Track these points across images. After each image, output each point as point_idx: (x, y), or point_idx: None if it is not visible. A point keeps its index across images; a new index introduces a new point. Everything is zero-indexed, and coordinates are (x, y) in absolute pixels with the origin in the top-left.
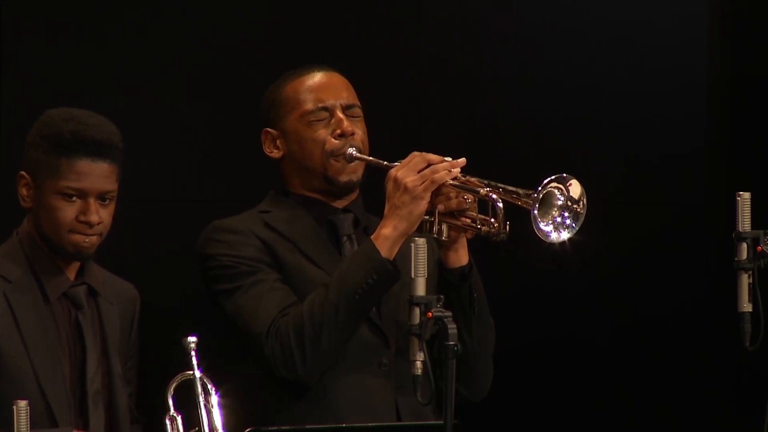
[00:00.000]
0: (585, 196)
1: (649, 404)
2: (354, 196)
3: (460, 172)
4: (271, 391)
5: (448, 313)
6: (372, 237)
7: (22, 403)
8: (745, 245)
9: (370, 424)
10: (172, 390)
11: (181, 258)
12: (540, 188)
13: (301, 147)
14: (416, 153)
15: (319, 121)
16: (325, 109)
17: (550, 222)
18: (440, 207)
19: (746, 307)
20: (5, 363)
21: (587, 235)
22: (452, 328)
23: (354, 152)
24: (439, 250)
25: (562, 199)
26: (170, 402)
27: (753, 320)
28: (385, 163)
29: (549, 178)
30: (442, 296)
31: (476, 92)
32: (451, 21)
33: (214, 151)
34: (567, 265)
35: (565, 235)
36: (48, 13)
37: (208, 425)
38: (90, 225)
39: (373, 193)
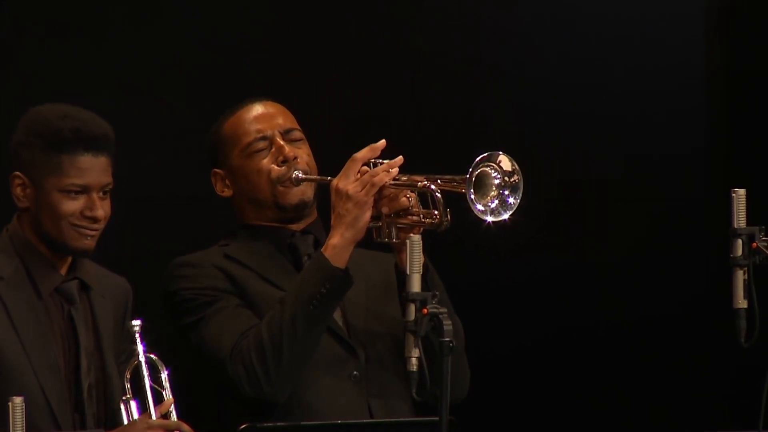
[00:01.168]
0: (516, 164)
1: (646, 403)
2: (311, 218)
3: (399, 172)
4: (243, 412)
5: (444, 310)
6: (322, 248)
7: (17, 400)
8: (740, 242)
9: (365, 421)
10: (128, 374)
11: (179, 255)
12: (471, 169)
13: (248, 180)
14: (351, 158)
15: (259, 151)
16: (265, 138)
17: (490, 203)
18: (385, 209)
19: (741, 303)
20: (3, 360)
21: (584, 233)
22: (447, 324)
23: (300, 174)
24: (394, 254)
25: (498, 176)
26: (127, 386)
27: (748, 316)
28: (329, 178)
29: (478, 158)
30: (437, 293)
31: (474, 91)
32: (450, 20)
33: None
34: (566, 256)
35: (506, 215)
36: (47, 12)
37: (154, 406)
38: (96, 220)
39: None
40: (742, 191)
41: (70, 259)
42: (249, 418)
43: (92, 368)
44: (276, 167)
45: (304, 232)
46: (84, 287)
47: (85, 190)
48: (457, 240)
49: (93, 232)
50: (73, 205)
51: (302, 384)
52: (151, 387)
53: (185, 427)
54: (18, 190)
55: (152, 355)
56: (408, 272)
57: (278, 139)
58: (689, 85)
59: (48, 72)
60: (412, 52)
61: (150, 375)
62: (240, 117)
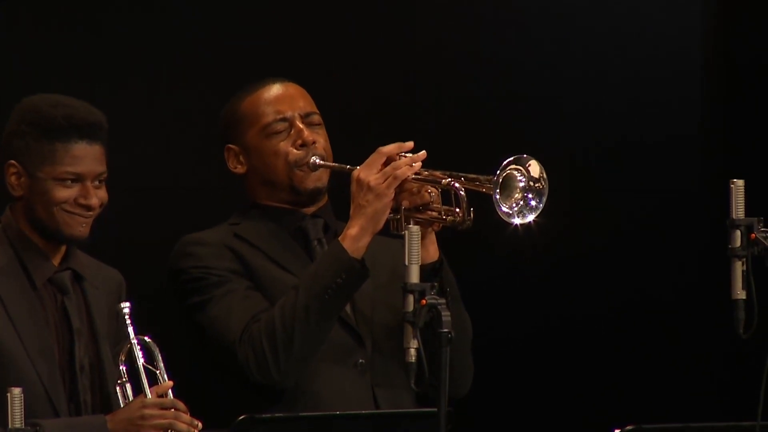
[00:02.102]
0: (545, 173)
1: (646, 396)
2: (322, 202)
3: (422, 167)
4: (249, 395)
5: (442, 301)
6: (339, 238)
7: (16, 391)
8: (738, 232)
9: (364, 412)
10: (122, 357)
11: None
12: (499, 171)
13: (264, 161)
14: (377, 151)
15: (278, 133)
16: (284, 119)
17: (515, 205)
18: (405, 203)
19: (740, 294)
20: (0, 349)
21: (581, 224)
22: (446, 315)
23: (317, 160)
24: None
25: (524, 180)
26: (122, 369)
27: (746, 308)
28: (348, 166)
29: (506, 161)
30: (435, 284)
31: (471, 82)
32: (446, 11)
33: (210, 138)
34: (563, 248)
35: (530, 217)
36: (43, 3)
37: (149, 387)
38: (89, 208)
39: (343, 201)
40: (740, 182)
41: (63, 249)
42: (253, 402)
43: (86, 357)
44: (294, 150)
45: (315, 215)
46: (77, 278)
47: (80, 179)
48: (451, 234)
49: (86, 220)
50: (66, 193)
51: (308, 370)
52: (144, 368)
53: (180, 405)
54: (12, 179)
55: (146, 338)
56: (407, 263)
57: (298, 122)
58: (685, 74)
59: (45, 64)
60: (407, 44)
61: (144, 356)
62: (260, 96)
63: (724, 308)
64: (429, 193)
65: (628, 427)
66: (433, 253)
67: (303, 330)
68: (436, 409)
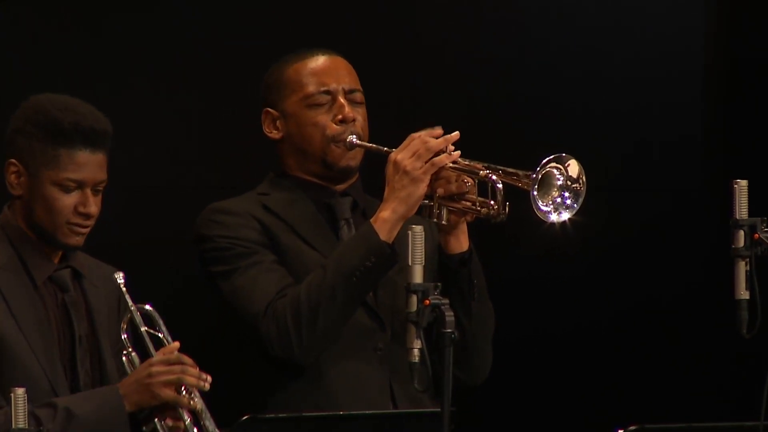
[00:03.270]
0: (584, 174)
1: (646, 393)
2: (353, 179)
3: (460, 156)
4: (267, 371)
5: (446, 301)
6: (371, 220)
7: (20, 391)
8: (742, 233)
9: (367, 412)
10: (124, 326)
11: (179, 244)
12: (538, 168)
13: (301, 130)
14: (415, 135)
15: (320, 105)
16: (327, 92)
17: (550, 203)
18: (440, 191)
19: (743, 294)
20: (5, 347)
21: (585, 222)
22: (449, 315)
23: (355, 139)
24: (439, 234)
25: (562, 178)
26: (124, 338)
27: (750, 307)
28: (386, 149)
29: (547, 158)
30: (439, 284)
31: (472, 79)
32: (446, 11)
33: (210, 137)
34: (566, 248)
35: (565, 216)
36: (44, 4)
37: (155, 350)
38: (89, 216)
39: (373, 178)
40: (744, 182)
41: None
42: (271, 378)
43: (87, 355)
44: (333, 125)
45: (344, 194)
46: (76, 275)
47: (80, 186)
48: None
49: (85, 230)
50: (68, 200)
51: (326, 352)
52: (147, 333)
53: (187, 359)
54: (12, 178)
55: (146, 306)
56: (410, 263)
57: (340, 97)
58: (687, 73)
59: (46, 64)
60: (409, 39)
61: (146, 324)
62: (306, 64)
63: (727, 308)
64: (465, 182)
65: (631, 427)
66: (464, 242)
67: (328, 310)
68: (439, 409)
